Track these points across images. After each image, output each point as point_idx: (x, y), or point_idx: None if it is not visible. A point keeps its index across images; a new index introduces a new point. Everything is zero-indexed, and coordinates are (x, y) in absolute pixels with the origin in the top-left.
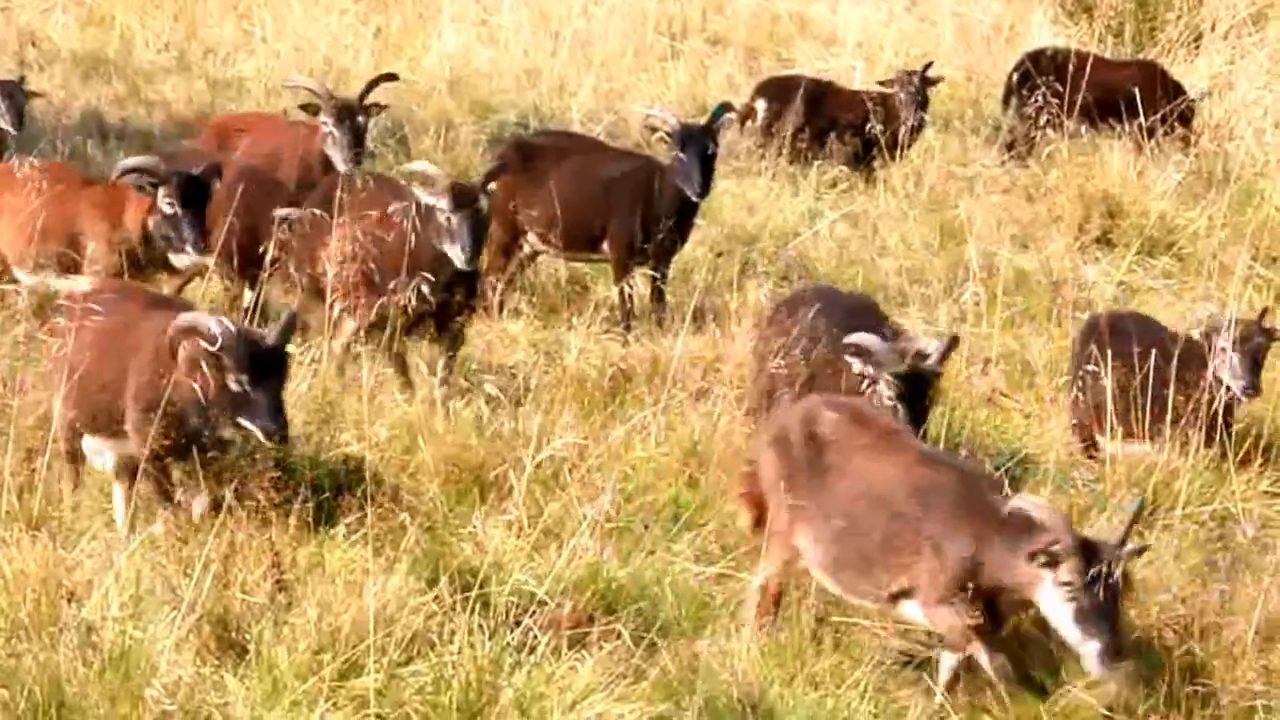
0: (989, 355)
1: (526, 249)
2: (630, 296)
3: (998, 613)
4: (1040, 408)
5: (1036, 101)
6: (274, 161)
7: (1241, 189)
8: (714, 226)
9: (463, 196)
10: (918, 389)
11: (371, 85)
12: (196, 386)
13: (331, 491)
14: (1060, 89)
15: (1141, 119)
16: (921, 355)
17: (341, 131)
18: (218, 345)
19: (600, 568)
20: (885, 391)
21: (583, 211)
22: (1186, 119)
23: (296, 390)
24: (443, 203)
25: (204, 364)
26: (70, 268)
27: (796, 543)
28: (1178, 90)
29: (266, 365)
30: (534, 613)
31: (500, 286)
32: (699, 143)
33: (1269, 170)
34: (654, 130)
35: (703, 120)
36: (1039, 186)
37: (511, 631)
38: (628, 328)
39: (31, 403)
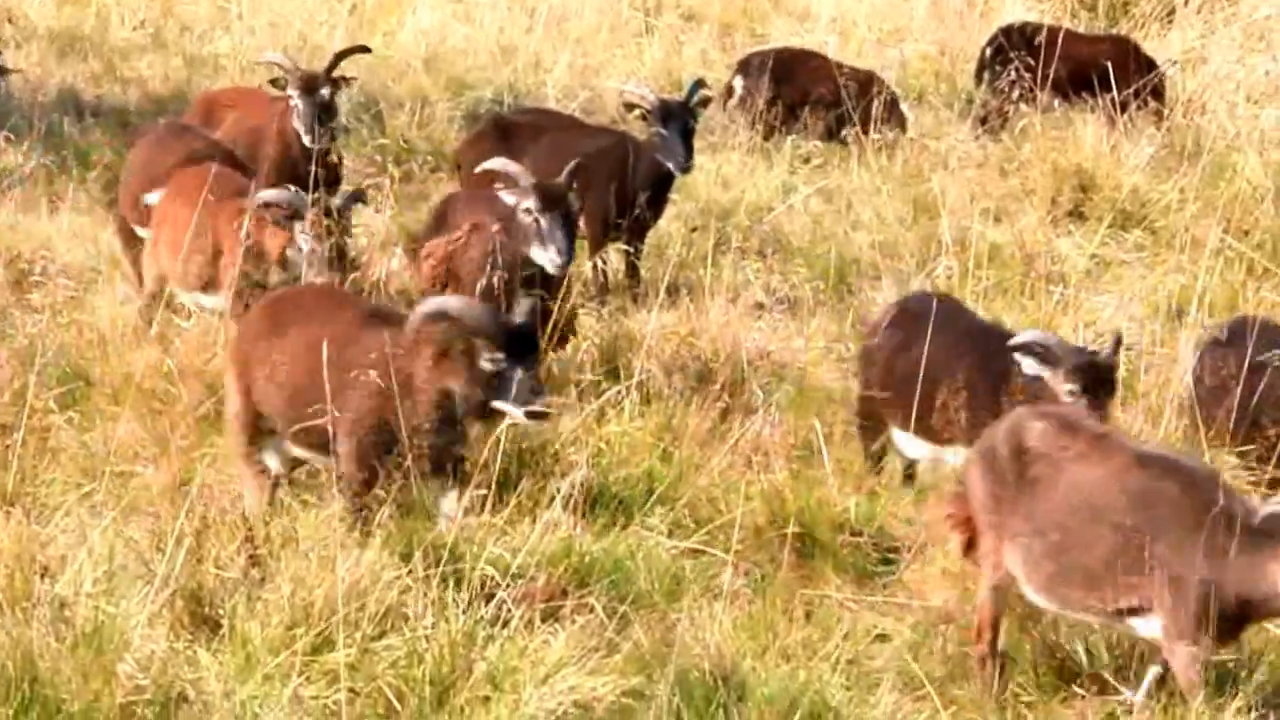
0: None
1: None
2: (604, 271)
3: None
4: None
5: (1009, 76)
6: (257, 137)
7: (1213, 162)
8: (688, 201)
9: (551, 196)
10: (1098, 383)
11: (339, 57)
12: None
13: (306, 466)
14: (1033, 63)
15: (1114, 93)
16: (1089, 351)
17: (306, 104)
18: (471, 325)
19: (573, 542)
20: (1064, 389)
21: None
22: (1159, 93)
23: None
24: (529, 202)
25: (455, 350)
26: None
27: (1007, 563)
28: (1150, 65)
29: (521, 344)
30: (507, 586)
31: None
32: (680, 117)
33: (1241, 144)
34: (631, 107)
35: (679, 96)
36: (1012, 160)
37: (484, 605)
38: (602, 302)
39: (4, 378)
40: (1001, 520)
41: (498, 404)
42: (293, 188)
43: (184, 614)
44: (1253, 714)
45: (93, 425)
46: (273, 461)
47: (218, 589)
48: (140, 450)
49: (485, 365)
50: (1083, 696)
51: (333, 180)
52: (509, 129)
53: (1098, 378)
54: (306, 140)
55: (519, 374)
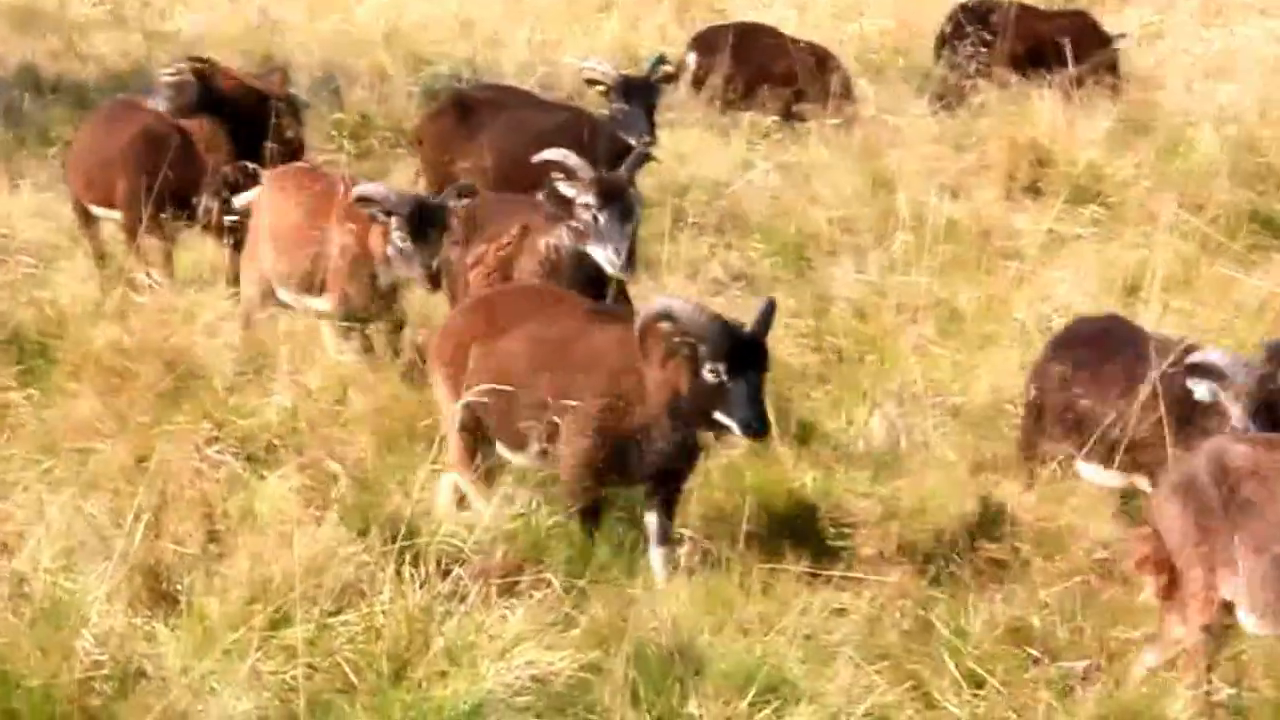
0: (919, 303)
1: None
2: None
3: None
4: (969, 355)
5: (967, 52)
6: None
7: (1169, 137)
8: (647, 177)
9: (611, 190)
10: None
11: None
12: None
13: (263, 442)
14: (990, 39)
15: (1071, 69)
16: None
17: None
18: (694, 331)
19: (530, 517)
20: (1236, 411)
21: (519, 163)
22: (1115, 68)
23: (228, 342)
24: (587, 197)
25: (677, 354)
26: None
27: (1223, 594)
28: (1107, 40)
29: (746, 355)
30: (464, 562)
31: None
32: (643, 94)
33: (1196, 119)
34: (592, 83)
35: (638, 72)
36: (969, 136)
37: (442, 581)
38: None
39: None
40: (1212, 550)
41: (718, 416)
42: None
43: (142, 590)
44: (1203, 688)
45: (52, 402)
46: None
47: (176, 565)
48: (99, 427)
49: (707, 376)
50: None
51: (290, 156)
52: (469, 105)
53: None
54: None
55: (742, 387)
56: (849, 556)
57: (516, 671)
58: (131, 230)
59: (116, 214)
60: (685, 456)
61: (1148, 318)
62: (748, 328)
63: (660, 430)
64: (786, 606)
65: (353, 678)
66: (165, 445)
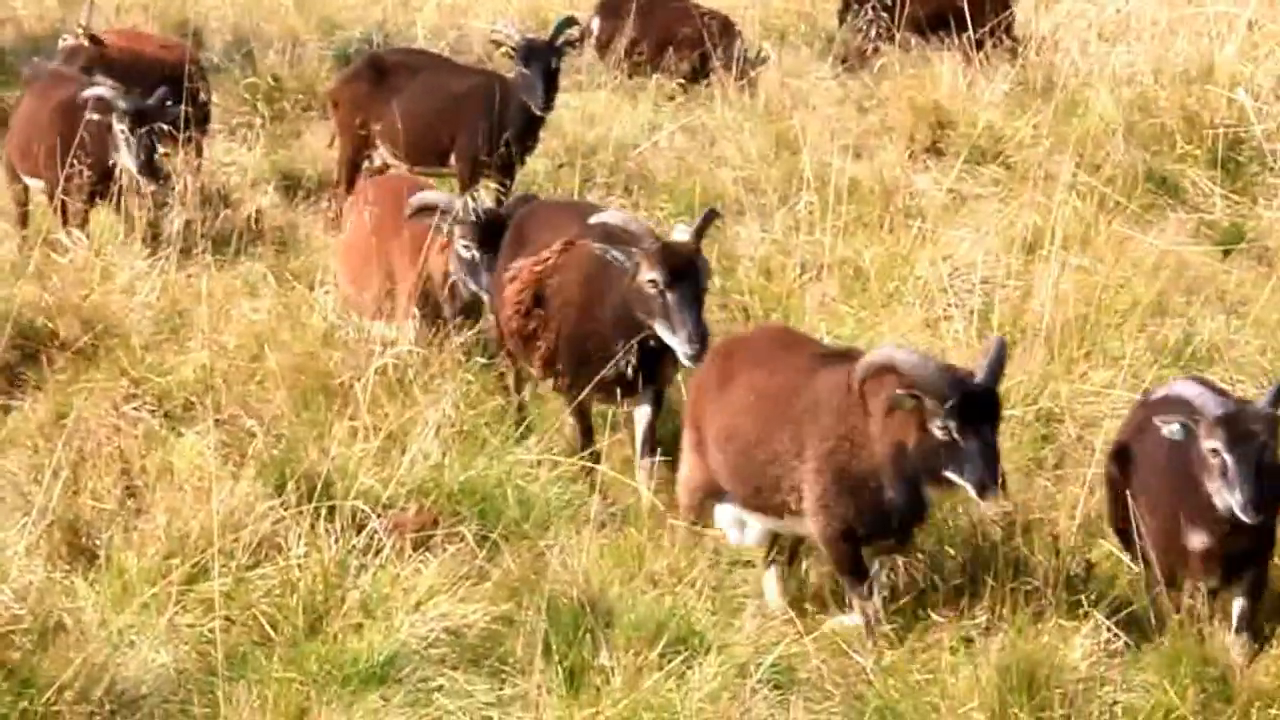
0: (823, 262)
1: (376, 162)
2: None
3: None
4: (873, 312)
5: (868, 16)
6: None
7: (1066, 99)
8: (555, 139)
9: (680, 265)
10: None
11: None
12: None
13: (180, 399)
14: (891, 3)
15: (970, 32)
16: None
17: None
18: (920, 384)
19: (443, 472)
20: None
21: (431, 126)
22: (1013, 31)
23: (146, 300)
24: (654, 274)
25: (905, 408)
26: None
27: None
28: (1005, 3)
29: (977, 408)
30: (379, 516)
31: (347, 199)
32: (543, 57)
33: (1093, 81)
34: (499, 45)
35: (546, 35)
36: (871, 98)
37: (357, 535)
38: None
39: None
40: None
41: (950, 475)
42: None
43: (61, 545)
44: (1103, 635)
45: None
46: (737, 533)
47: (94, 520)
48: (18, 384)
49: (937, 432)
50: (940, 623)
51: (202, 119)
52: (382, 68)
53: None
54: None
55: (974, 443)
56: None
57: (430, 624)
58: (50, 192)
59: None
60: (917, 512)
61: (1047, 275)
62: (978, 376)
63: (889, 482)
64: (695, 559)
65: (269, 630)
66: (83, 403)
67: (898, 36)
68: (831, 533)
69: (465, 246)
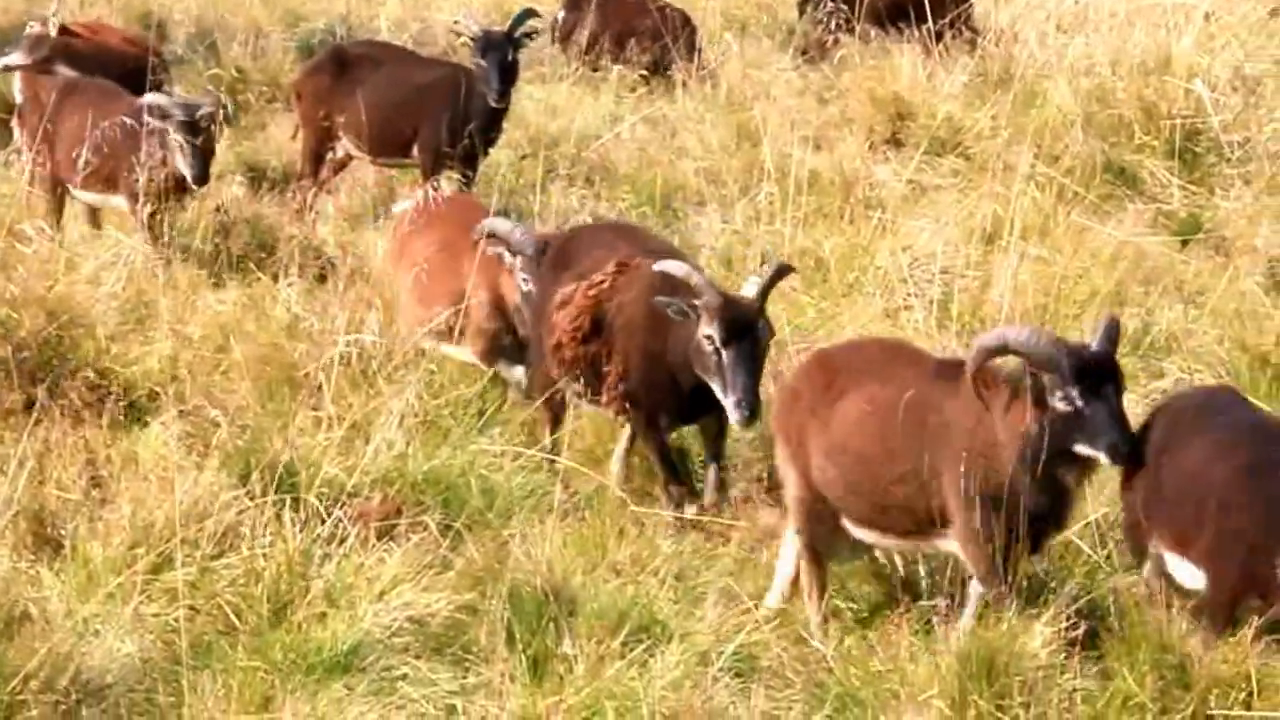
0: (784, 253)
1: (339, 153)
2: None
3: None
4: (833, 302)
5: (828, 7)
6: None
7: (1025, 90)
8: (518, 130)
9: (739, 324)
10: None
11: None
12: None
13: (145, 390)
14: None
15: (930, 23)
16: None
17: None
18: (1037, 359)
19: (407, 461)
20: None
21: (394, 117)
22: (973, 23)
23: (111, 290)
24: (711, 330)
25: (1023, 389)
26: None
27: None
28: None
29: (1097, 373)
30: (343, 505)
31: (312, 191)
32: (499, 49)
33: (1051, 72)
34: (460, 37)
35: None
36: (831, 89)
37: (321, 524)
38: None
39: None
40: None
41: (1079, 448)
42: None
43: (26, 535)
44: (1062, 623)
45: None
46: (845, 553)
47: (60, 510)
48: None
49: (1059, 405)
50: (903, 611)
51: None
52: (346, 60)
53: None
54: None
55: (1099, 409)
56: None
57: (394, 613)
58: (133, 207)
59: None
60: (1061, 502)
61: (1006, 266)
62: (1093, 346)
63: (1028, 480)
64: (657, 549)
65: (234, 619)
66: (49, 393)
67: (857, 28)
68: (979, 551)
69: (524, 280)
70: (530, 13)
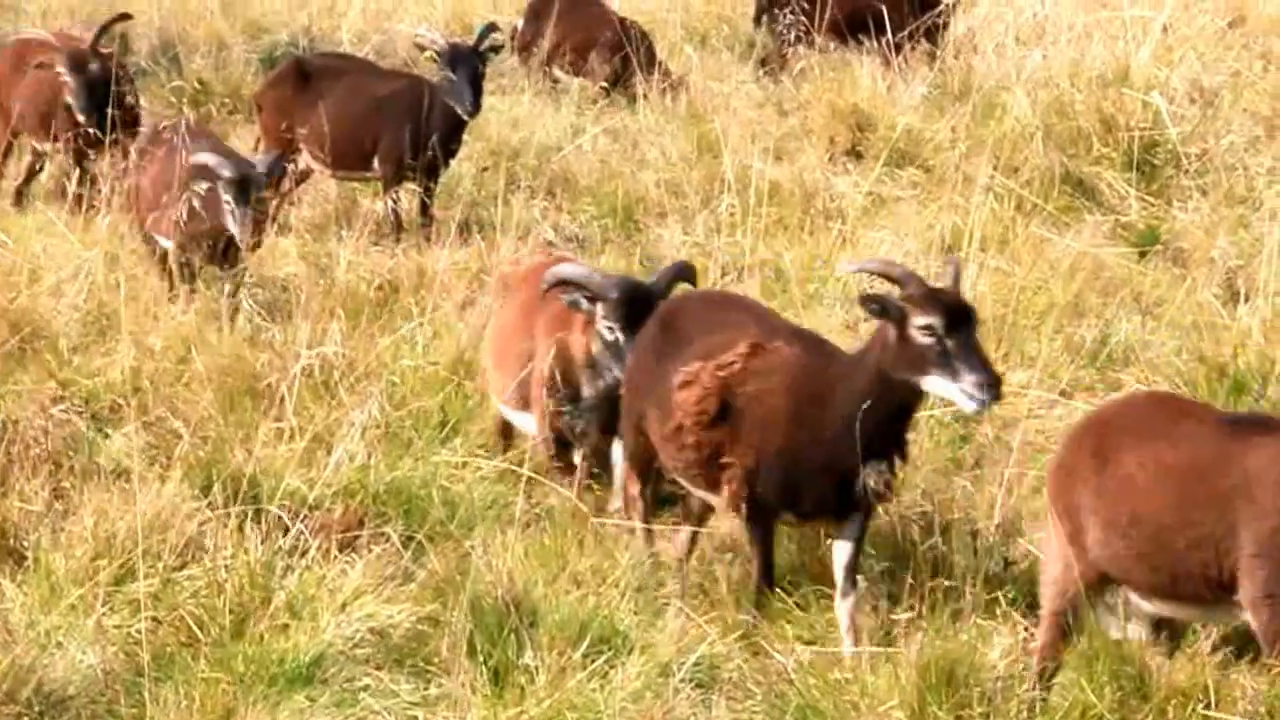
0: (744, 264)
1: (301, 165)
2: (397, 210)
3: None
4: (794, 314)
5: (787, 19)
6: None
7: (983, 102)
8: (479, 142)
9: (958, 309)
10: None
11: (103, 30)
12: None
13: (107, 401)
14: (809, 7)
15: (889, 35)
16: None
17: (78, 82)
18: None
19: (368, 473)
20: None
21: (355, 129)
22: (932, 35)
23: (73, 301)
24: (930, 320)
25: None
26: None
27: None
28: (924, 6)
29: None
30: (305, 517)
31: (274, 203)
32: (469, 62)
33: (1009, 83)
34: (423, 50)
35: (469, 40)
36: (791, 101)
37: (283, 536)
38: (397, 240)
39: None
40: None
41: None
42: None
43: None
44: (1021, 634)
45: None
46: (1131, 629)
47: (22, 522)
48: None
49: None
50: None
51: (130, 123)
52: (308, 72)
53: None
54: (82, 118)
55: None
56: (680, 511)
57: (356, 624)
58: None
59: None
60: None
61: (965, 277)
62: None
63: None
64: (618, 560)
65: (196, 631)
66: (11, 405)
67: (817, 40)
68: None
69: (609, 328)
70: (493, 27)
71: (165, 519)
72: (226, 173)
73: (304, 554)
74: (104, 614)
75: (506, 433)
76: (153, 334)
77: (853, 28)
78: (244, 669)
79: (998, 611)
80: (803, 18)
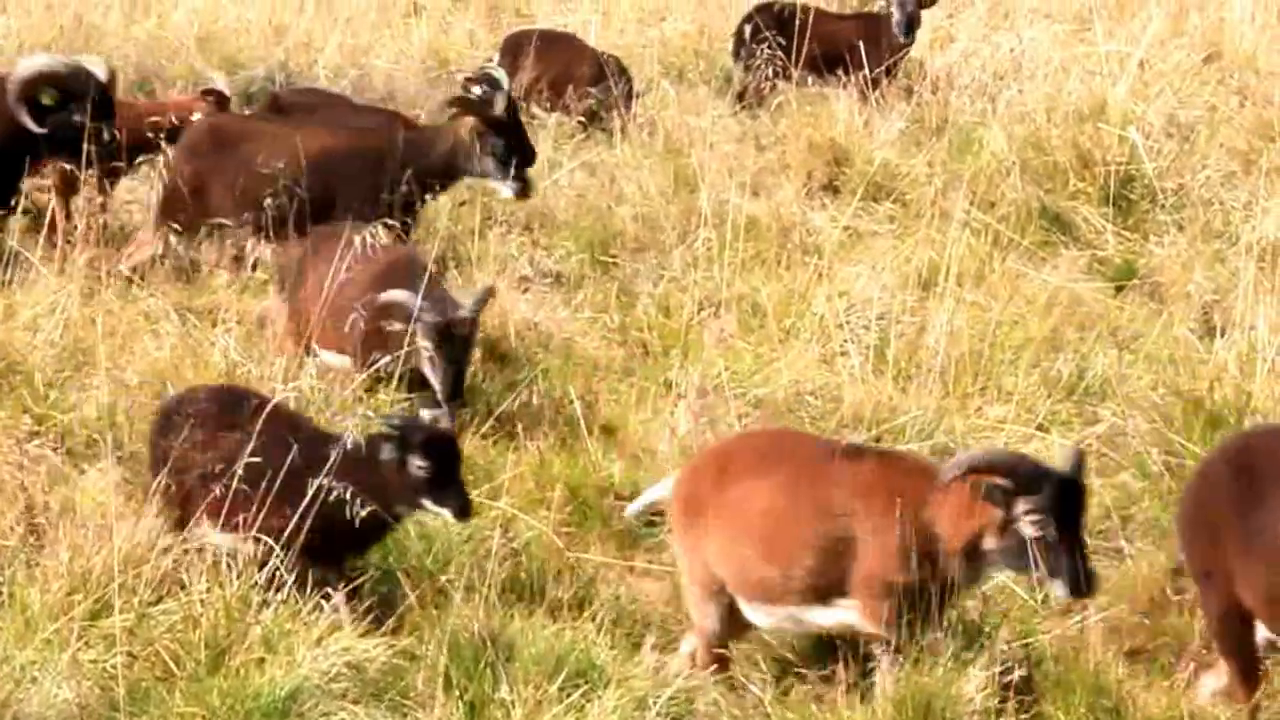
0: (721, 299)
1: None
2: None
3: None
4: (770, 348)
5: (765, 54)
6: None
7: (960, 137)
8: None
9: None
10: None
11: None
12: None
13: (83, 437)
14: (786, 42)
15: (865, 70)
16: None
17: None
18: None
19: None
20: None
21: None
22: (891, 70)
23: (49, 338)
24: (1038, 528)
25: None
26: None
27: None
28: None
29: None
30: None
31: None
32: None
33: (986, 118)
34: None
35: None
36: (768, 136)
37: (259, 571)
38: None
39: None
40: None
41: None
42: None
43: None
44: (997, 667)
45: None
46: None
47: None
48: None
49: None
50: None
51: (109, 157)
52: (284, 107)
53: None
54: None
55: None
56: (655, 545)
57: (332, 659)
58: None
59: None
60: None
61: (942, 312)
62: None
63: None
64: (595, 594)
65: (172, 666)
66: None
67: (794, 75)
68: None
69: (1038, 525)
70: (494, 81)
71: (141, 554)
72: (428, 317)
73: (280, 589)
74: (79, 649)
75: None
76: (129, 369)
77: (829, 62)
78: (220, 703)
79: (974, 645)
80: (780, 53)
